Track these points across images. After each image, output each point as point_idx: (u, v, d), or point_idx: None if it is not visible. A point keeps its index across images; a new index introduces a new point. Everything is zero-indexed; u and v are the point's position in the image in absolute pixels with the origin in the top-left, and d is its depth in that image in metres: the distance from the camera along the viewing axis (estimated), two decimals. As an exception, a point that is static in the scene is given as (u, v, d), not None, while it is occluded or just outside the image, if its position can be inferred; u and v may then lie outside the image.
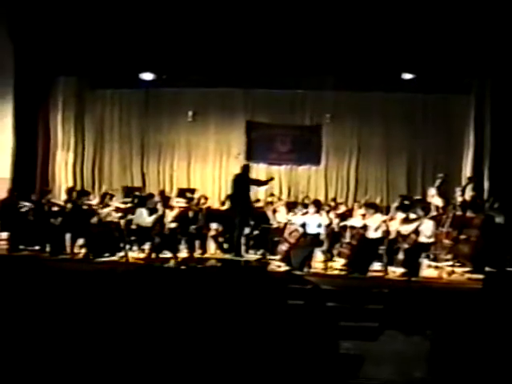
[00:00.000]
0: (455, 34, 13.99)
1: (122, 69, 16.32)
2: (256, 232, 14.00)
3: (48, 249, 13.54)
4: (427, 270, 12.42)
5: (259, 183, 14.15)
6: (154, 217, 13.49)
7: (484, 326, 7.14)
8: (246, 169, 13.45)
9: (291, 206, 14.92)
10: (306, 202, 15.00)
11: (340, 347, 8.40)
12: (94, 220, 13.73)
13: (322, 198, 16.66)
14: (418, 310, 10.51)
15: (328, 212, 13.77)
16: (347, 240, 12.94)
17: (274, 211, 14.53)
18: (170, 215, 14.04)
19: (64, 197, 15.45)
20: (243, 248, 13.66)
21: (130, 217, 13.81)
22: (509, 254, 12.26)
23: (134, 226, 13.70)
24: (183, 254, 13.66)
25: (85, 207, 13.99)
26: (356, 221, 13.21)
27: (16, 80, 16.20)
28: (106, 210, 13.91)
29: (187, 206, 14.49)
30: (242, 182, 13.13)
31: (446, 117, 17.08)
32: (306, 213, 13.07)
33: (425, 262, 12.51)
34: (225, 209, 14.08)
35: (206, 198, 15.10)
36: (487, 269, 11.90)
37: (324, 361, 7.50)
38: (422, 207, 13.43)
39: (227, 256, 13.07)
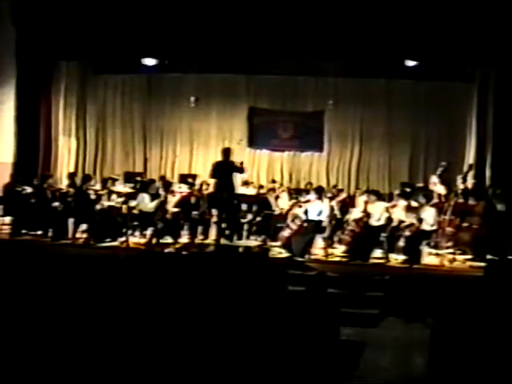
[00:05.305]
0: (459, 21, 13.90)
1: (125, 54, 16.28)
2: (258, 218, 14.03)
3: (50, 233, 13.56)
4: (428, 257, 12.42)
5: (239, 170, 13.08)
6: (155, 202, 13.51)
7: (485, 314, 7.15)
8: (227, 153, 12.75)
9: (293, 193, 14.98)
10: (309, 188, 15.05)
11: (341, 334, 8.42)
12: (98, 206, 13.77)
13: (323, 184, 16.66)
14: (419, 297, 10.54)
15: (330, 199, 13.77)
16: (350, 227, 12.91)
17: (276, 197, 14.56)
18: (172, 201, 14.06)
19: (66, 182, 15.47)
20: (245, 234, 13.68)
21: (131, 202, 13.83)
22: (510, 242, 12.26)
23: (136, 212, 13.72)
24: (184, 239, 13.67)
25: (90, 192, 14.03)
26: (359, 209, 13.19)
27: (18, 65, 16.16)
28: (106, 203, 13.93)
29: (189, 191, 14.52)
30: (225, 167, 12.60)
31: (449, 104, 17.06)
32: (308, 200, 13.08)
33: (425, 249, 12.52)
34: (210, 195, 13.52)
35: (208, 184, 15.11)
36: (489, 256, 11.92)
37: (324, 347, 7.52)
38: (424, 195, 13.43)
39: (225, 242, 13.06)
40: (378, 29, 14.22)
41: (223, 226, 13.18)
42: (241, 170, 12.93)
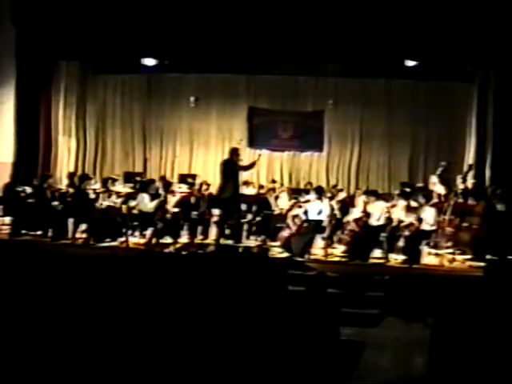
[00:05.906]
0: (459, 21, 13.91)
1: (124, 54, 16.29)
2: (258, 218, 14.04)
3: (50, 233, 13.56)
4: (428, 257, 12.43)
5: (246, 168, 13.45)
6: (155, 202, 13.50)
7: (485, 314, 7.15)
8: (233, 153, 12.72)
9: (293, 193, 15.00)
10: (308, 188, 15.05)
11: (341, 333, 8.42)
12: (98, 205, 13.78)
13: (323, 184, 16.64)
14: (419, 297, 10.54)
15: (330, 199, 13.77)
16: (350, 227, 12.91)
17: (276, 198, 14.56)
18: (172, 201, 14.06)
19: (66, 182, 15.48)
20: (244, 234, 13.67)
21: (131, 202, 13.83)
22: (510, 242, 12.26)
23: (135, 212, 13.72)
24: (184, 239, 13.67)
25: (89, 191, 14.05)
26: (358, 209, 13.18)
27: (18, 64, 16.16)
28: (106, 203, 13.94)
29: (189, 191, 14.53)
30: (231, 166, 12.55)
31: (449, 104, 17.04)
32: (308, 200, 13.08)
33: (425, 249, 12.52)
34: (215, 195, 13.55)
35: (208, 184, 15.12)
36: (488, 256, 11.92)
37: (324, 347, 7.52)
38: (424, 195, 13.44)
39: (228, 242, 13.05)
40: (377, 29, 14.22)
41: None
42: (248, 167, 13.05)
